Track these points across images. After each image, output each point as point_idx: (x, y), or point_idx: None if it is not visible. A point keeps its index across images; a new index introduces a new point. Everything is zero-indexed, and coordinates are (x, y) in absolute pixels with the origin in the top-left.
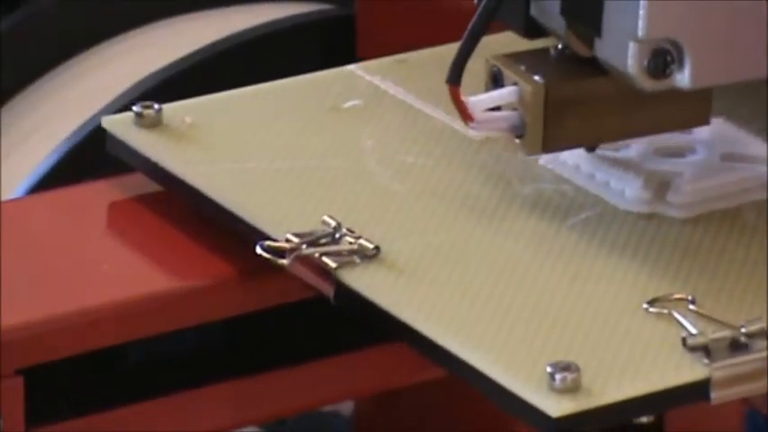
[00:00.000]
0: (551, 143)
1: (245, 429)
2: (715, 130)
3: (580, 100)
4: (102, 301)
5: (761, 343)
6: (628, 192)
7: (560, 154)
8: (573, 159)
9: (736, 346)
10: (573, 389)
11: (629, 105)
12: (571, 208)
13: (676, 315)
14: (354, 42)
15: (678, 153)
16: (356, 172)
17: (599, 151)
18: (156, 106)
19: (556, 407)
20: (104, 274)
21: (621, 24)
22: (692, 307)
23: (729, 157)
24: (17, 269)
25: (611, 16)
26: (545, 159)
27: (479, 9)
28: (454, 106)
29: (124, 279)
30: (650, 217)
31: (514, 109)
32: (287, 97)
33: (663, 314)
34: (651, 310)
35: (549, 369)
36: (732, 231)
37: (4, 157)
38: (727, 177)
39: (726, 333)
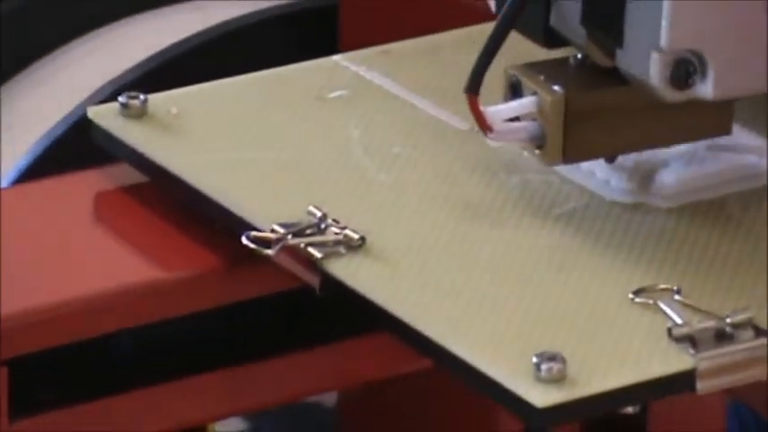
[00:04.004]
0: (571, 154)
1: (227, 420)
2: None
3: (600, 110)
4: (87, 292)
5: (746, 333)
6: (613, 182)
7: None
8: None
9: (721, 337)
10: (558, 379)
11: (650, 116)
12: (557, 198)
13: (662, 305)
14: (336, 34)
15: None
16: (342, 162)
17: None
18: (142, 96)
19: (541, 397)
20: (90, 264)
21: (644, 35)
22: (677, 297)
23: (715, 147)
24: (2, 260)
25: (634, 26)
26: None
27: (499, 18)
28: (472, 116)
29: (110, 270)
30: (635, 207)
31: (534, 119)
32: (272, 87)
33: (648, 304)
34: (637, 300)
35: (534, 359)
36: (717, 222)
37: None
38: (711, 167)
39: (711, 323)
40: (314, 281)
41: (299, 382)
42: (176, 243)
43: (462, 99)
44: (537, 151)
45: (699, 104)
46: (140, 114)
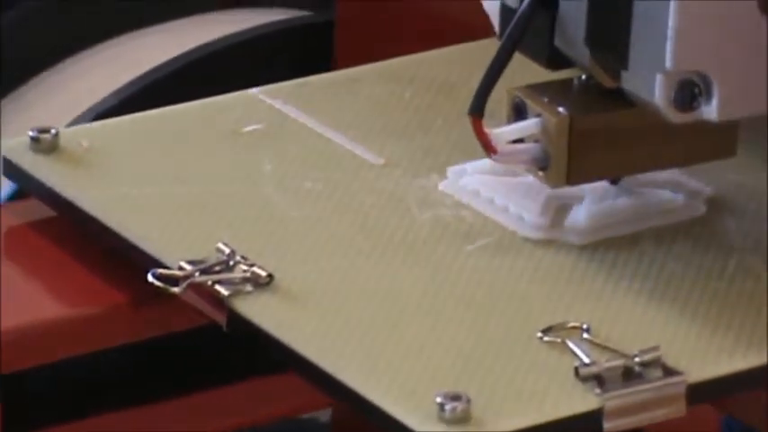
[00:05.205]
0: (576, 175)
1: None
2: None
3: (605, 132)
4: None
5: (655, 372)
6: (526, 217)
7: (461, 178)
8: (473, 184)
9: (629, 376)
10: (463, 419)
11: (655, 137)
12: (470, 234)
13: (570, 344)
14: (332, 49)
15: None
16: (253, 198)
17: (499, 177)
18: (53, 130)
19: None
20: None
21: (648, 56)
22: (586, 335)
23: (629, 182)
24: None
25: (638, 48)
26: (445, 185)
27: (503, 39)
28: (477, 138)
29: (16, 306)
30: (548, 243)
31: (537, 141)
32: (187, 122)
33: (557, 343)
34: (545, 338)
35: (438, 399)
36: (630, 258)
37: None
38: (625, 203)
39: (619, 362)
40: (221, 319)
41: (292, 398)
42: (85, 279)
43: (377, 133)
44: (540, 173)
45: (703, 126)
46: (51, 149)
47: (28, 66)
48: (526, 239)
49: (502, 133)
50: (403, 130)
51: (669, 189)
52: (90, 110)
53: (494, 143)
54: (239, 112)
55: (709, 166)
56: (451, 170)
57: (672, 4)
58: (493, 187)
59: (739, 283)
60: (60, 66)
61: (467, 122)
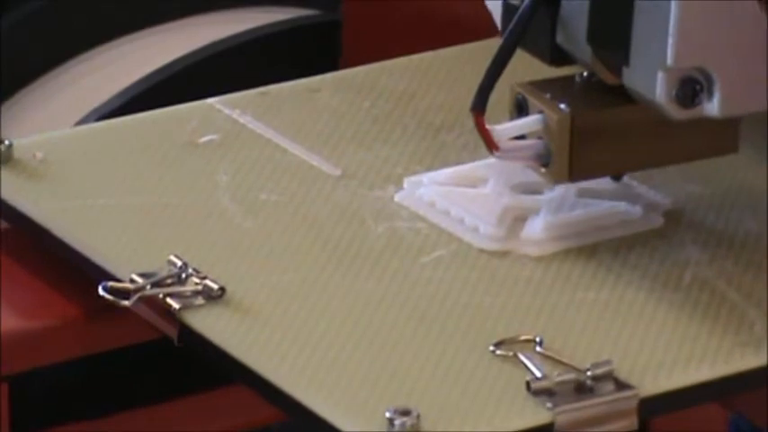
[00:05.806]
0: (578, 172)
1: None
2: None
3: (607, 128)
4: None
5: (607, 386)
6: (482, 228)
7: (417, 189)
8: (428, 196)
9: (581, 390)
10: None
11: (657, 134)
12: (425, 246)
13: (522, 357)
14: (340, 48)
15: (535, 190)
16: (208, 209)
17: (455, 188)
18: (7, 141)
19: None
20: None
21: (650, 53)
22: (538, 349)
23: (586, 194)
24: None
25: (640, 45)
26: (401, 196)
27: (505, 36)
28: (479, 134)
29: None
30: (504, 255)
31: (540, 137)
32: (142, 132)
33: (509, 356)
34: (498, 352)
35: (387, 414)
36: (585, 270)
37: None
38: (582, 215)
39: (571, 376)
40: (172, 332)
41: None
42: (38, 292)
43: (334, 144)
44: (543, 170)
45: (705, 122)
46: (5, 160)
47: (28, 69)
48: (482, 251)
49: (504, 130)
50: (361, 141)
51: (627, 201)
52: (94, 111)
53: (496, 140)
54: (195, 122)
55: (667, 177)
56: (408, 181)
57: (673, 2)
58: (449, 198)
59: (695, 295)
60: (61, 68)
61: (426, 133)
